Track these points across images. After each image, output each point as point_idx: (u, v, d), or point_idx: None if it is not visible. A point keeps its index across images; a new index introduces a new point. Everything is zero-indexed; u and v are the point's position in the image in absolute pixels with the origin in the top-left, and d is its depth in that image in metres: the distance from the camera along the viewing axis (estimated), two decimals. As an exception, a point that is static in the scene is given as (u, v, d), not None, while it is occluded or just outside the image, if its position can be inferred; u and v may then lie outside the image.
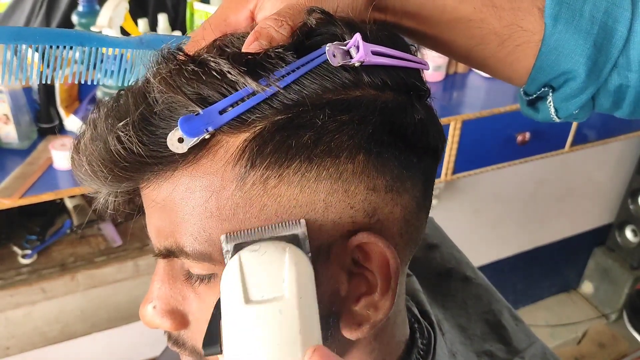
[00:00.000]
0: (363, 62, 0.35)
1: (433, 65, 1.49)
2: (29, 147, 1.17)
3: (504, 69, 0.42)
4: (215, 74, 0.33)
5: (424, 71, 0.41)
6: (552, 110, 0.43)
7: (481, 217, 2.11)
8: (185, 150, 0.34)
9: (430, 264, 0.65)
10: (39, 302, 1.22)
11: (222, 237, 0.34)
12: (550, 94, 0.42)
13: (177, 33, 1.29)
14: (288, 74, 0.34)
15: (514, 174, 2.00)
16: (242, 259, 0.32)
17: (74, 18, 1.23)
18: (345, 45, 0.35)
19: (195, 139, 0.33)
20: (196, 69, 0.33)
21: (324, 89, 0.35)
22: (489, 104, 1.44)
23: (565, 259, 2.54)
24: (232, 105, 0.33)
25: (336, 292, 0.38)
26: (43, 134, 1.21)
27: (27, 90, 1.16)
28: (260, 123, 0.34)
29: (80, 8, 1.23)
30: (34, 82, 0.43)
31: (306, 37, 0.36)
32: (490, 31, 0.40)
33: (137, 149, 0.34)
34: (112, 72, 0.43)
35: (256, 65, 0.34)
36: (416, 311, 0.53)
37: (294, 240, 0.34)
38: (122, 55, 0.43)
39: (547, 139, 1.58)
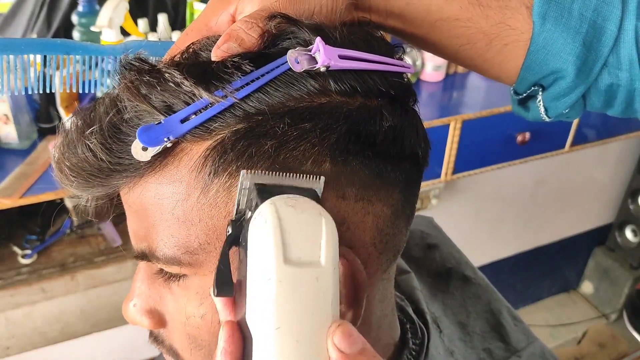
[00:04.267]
0: (329, 67, 0.34)
1: (433, 65, 1.49)
2: (29, 147, 1.17)
3: (493, 68, 0.42)
4: (171, 84, 0.33)
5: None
6: (542, 109, 0.42)
7: (481, 217, 2.11)
8: (149, 158, 0.34)
9: (429, 264, 0.65)
10: (39, 302, 1.22)
11: (242, 172, 0.33)
12: (540, 93, 0.42)
13: (177, 33, 1.29)
14: (252, 81, 0.34)
15: (514, 174, 2.00)
16: (279, 210, 0.30)
17: (74, 18, 1.23)
18: (310, 50, 0.35)
19: (158, 147, 0.33)
20: (152, 80, 0.33)
21: (289, 97, 0.34)
22: (489, 104, 1.44)
23: (565, 259, 2.54)
24: (195, 113, 0.33)
25: None
26: (43, 133, 1.21)
27: (27, 90, 1.17)
28: (222, 131, 0.34)
29: (80, 8, 1.23)
30: (33, 85, 0.44)
31: (272, 43, 0.35)
32: (478, 30, 0.39)
33: (102, 156, 0.35)
34: (110, 71, 0.44)
35: (212, 76, 0.33)
36: (410, 311, 0.53)
37: (312, 195, 0.33)
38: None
39: (547, 139, 1.58)
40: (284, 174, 0.33)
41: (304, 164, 0.34)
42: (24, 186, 1.06)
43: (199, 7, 1.27)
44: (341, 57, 0.35)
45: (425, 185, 1.51)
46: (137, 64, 0.35)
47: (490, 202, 2.09)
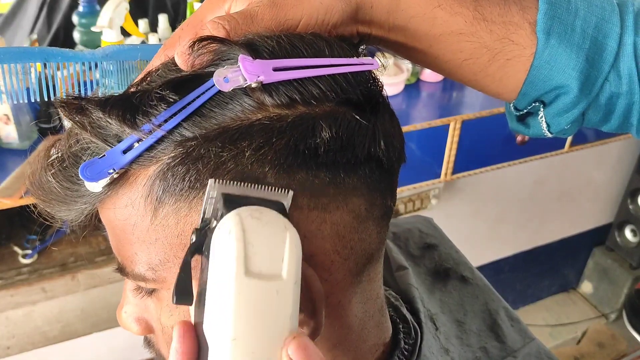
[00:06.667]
0: (262, 82, 0.34)
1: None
2: (29, 147, 1.17)
3: (493, 83, 0.41)
4: (100, 124, 0.34)
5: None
6: (544, 125, 0.42)
7: (481, 217, 2.11)
8: (100, 189, 0.35)
9: (428, 263, 0.65)
10: (39, 301, 1.22)
11: (210, 182, 0.33)
12: (542, 109, 0.42)
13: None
14: (184, 107, 0.34)
15: (513, 174, 2.01)
16: (243, 222, 0.30)
17: (75, 18, 1.24)
18: (240, 67, 0.34)
19: (106, 179, 0.34)
20: (83, 119, 0.34)
21: (224, 117, 0.34)
22: (488, 104, 1.44)
23: (565, 259, 2.54)
24: (138, 141, 0.34)
25: None
26: (43, 134, 1.21)
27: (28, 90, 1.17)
28: (163, 157, 0.34)
29: (80, 9, 1.23)
30: (34, 91, 0.44)
31: (211, 64, 0.35)
32: (481, 45, 0.39)
33: (62, 184, 0.36)
34: (111, 72, 0.44)
35: (138, 111, 0.34)
36: (405, 310, 0.52)
37: (279, 208, 0.33)
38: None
39: (547, 139, 1.58)
40: (252, 185, 0.33)
41: (245, 181, 0.33)
42: (24, 186, 1.06)
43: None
44: (277, 68, 0.34)
45: (424, 185, 1.51)
46: (69, 103, 0.35)
47: (490, 202, 2.10)
